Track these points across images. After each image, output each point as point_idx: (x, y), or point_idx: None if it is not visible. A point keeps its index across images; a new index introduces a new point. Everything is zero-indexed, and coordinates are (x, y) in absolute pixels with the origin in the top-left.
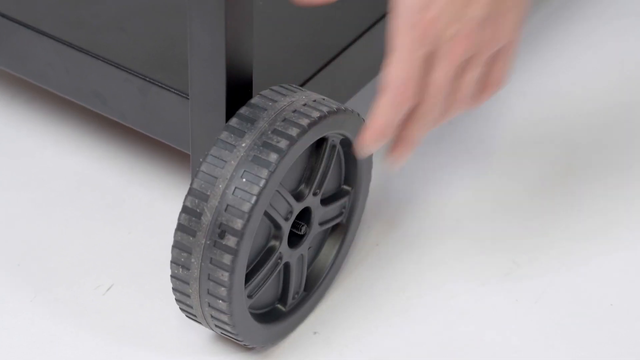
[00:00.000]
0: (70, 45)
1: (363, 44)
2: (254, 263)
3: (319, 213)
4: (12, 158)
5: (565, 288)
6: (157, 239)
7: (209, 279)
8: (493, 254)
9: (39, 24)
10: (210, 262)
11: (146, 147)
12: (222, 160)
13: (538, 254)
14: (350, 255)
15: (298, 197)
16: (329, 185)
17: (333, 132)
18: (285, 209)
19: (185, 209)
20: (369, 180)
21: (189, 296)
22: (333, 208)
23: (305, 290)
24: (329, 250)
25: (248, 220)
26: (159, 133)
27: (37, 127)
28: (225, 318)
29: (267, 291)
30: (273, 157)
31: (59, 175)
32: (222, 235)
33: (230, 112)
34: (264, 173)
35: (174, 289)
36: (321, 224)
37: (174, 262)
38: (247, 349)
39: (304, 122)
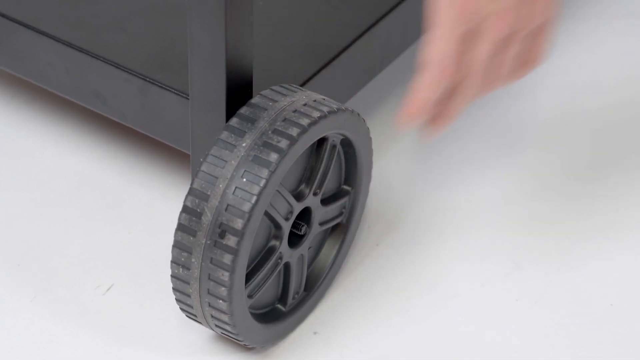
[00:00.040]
0: (70, 45)
1: (363, 44)
2: (254, 263)
3: (319, 213)
4: (12, 158)
5: (565, 288)
6: (157, 239)
7: (209, 278)
8: (493, 254)
9: (39, 24)
10: (211, 262)
11: (146, 147)
12: (223, 160)
13: (538, 254)
14: (350, 255)
15: (298, 197)
16: (329, 185)
17: (333, 132)
18: (286, 209)
19: (185, 209)
20: (369, 180)
21: (189, 296)
22: (333, 208)
23: (305, 290)
24: (329, 250)
25: (248, 220)
26: (159, 133)
27: (37, 127)
28: (225, 318)
29: (267, 291)
30: (273, 157)
31: (59, 175)
32: (222, 235)
33: (230, 112)
34: (265, 173)
35: (174, 289)
36: (321, 224)
37: (174, 262)
38: (247, 349)
39: (305, 122)
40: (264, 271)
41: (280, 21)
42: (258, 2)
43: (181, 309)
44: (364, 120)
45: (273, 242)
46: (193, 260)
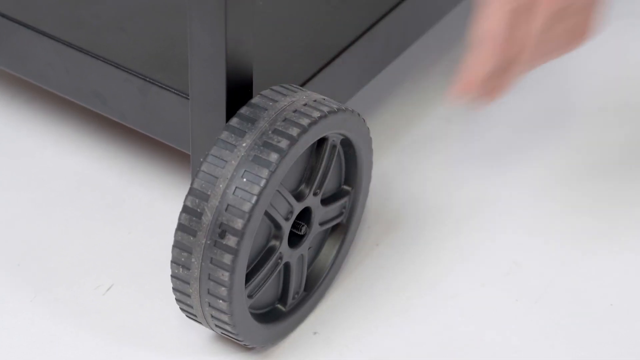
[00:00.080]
0: (70, 45)
1: (363, 44)
2: (254, 263)
3: (319, 213)
4: (12, 158)
5: (565, 288)
6: (157, 239)
7: (209, 278)
8: (493, 254)
9: (39, 24)
10: (211, 262)
11: (146, 147)
12: (223, 160)
13: (538, 254)
14: (350, 255)
15: (298, 197)
16: (329, 185)
17: (333, 132)
18: (286, 209)
19: (185, 209)
20: (369, 180)
21: (189, 296)
22: (333, 208)
23: (305, 290)
24: (329, 250)
25: (248, 220)
26: (159, 133)
27: (37, 127)
28: (225, 318)
29: (267, 291)
30: (274, 157)
31: (59, 175)
32: (222, 235)
33: (230, 112)
34: (265, 173)
35: (174, 289)
36: (321, 224)
37: (174, 261)
38: (247, 349)
39: (305, 122)
40: (264, 271)
41: (280, 21)
42: (258, 2)
43: (181, 309)
44: (364, 120)
45: (273, 242)
46: (193, 260)
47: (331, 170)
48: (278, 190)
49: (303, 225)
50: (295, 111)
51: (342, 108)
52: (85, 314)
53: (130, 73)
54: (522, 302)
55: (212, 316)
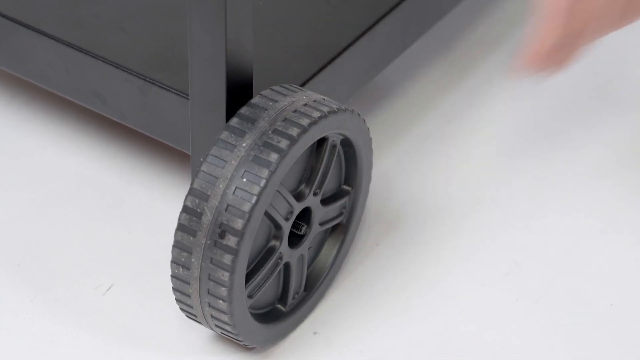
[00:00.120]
0: (70, 45)
1: (363, 44)
2: (254, 263)
3: (319, 213)
4: (12, 158)
5: (565, 288)
6: (157, 239)
7: (209, 278)
8: (493, 254)
9: (39, 24)
10: (211, 262)
11: (146, 147)
12: (223, 160)
13: (538, 254)
14: (350, 255)
15: (298, 197)
16: (329, 186)
17: (333, 132)
18: (286, 209)
19: (185, 209)
20: (369, 180)
21: (189, 296)
22: (333, 208)
23: (305, 290)
24: (329, 250)
25: (248, 220)
26: (159, 133)
27: (37, 127)
28: (225, 318)
29: (267, 291)
30: (274, 157)
31: (59, 175)
32: (222, 235)
33: (230, 112)
34: (265, 173)
35: (174, 289)
36: (321, 224)
37: (174, 262)
38: (247, 349)
39: (305, 122)
40: (264, 271)
41: (280, 21)
42: (258, 2)
43: (181, 309)
44: (364, 120)
45: (273, 242)
46: (193, 260)
47: (331, 170)
48: (278, 190)
49: (303, 225)
50: (295, 111)
51: (342, 108)
52: (85, 314)
53: (130, 73)
54: (522, 302)
55: (212, 316)
